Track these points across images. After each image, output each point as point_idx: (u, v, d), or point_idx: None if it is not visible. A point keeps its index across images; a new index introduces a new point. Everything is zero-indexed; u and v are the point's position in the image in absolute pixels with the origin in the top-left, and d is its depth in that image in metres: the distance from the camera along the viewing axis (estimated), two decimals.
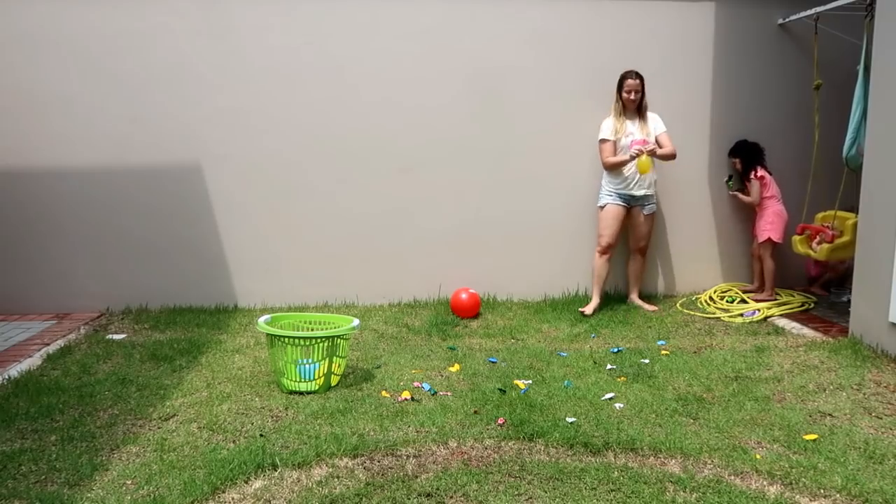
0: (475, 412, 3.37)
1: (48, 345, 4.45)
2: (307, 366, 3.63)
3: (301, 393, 3.62)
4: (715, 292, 5.51)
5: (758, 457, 2.89)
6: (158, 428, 3.25)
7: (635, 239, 5.25)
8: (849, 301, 4.62)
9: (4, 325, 4.96)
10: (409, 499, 2.59)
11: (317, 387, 3.64)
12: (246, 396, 3.62)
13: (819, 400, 3.51)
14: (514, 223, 5.48)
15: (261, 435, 3.14)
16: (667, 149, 5.02)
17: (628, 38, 5.32)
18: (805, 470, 2.78)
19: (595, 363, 4.09)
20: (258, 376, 3.90)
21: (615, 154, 5.02)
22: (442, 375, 3.92)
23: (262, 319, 3.75)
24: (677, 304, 5.38)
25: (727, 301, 5.36)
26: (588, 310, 5.09)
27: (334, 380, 3.73)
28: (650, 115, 5.09)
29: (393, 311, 5.26)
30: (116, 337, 4.66)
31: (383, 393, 3.64)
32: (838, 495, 2.61)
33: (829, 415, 3.33)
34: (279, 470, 2.81)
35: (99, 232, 5.23)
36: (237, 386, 3.76)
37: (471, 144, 5.36)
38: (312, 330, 3.94)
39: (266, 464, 2.83)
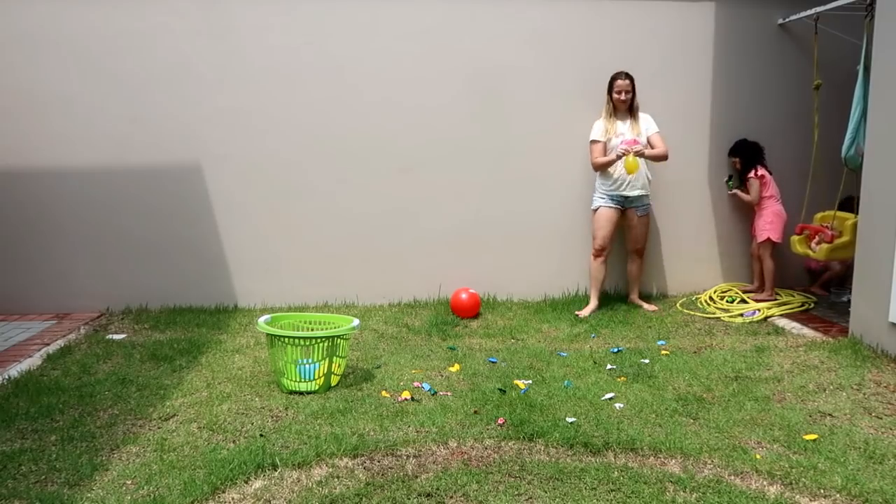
0: (475, 412, 3.37)
1: (48, 345, 4.45)
2: (307, 366, 3.63)
3: (301, 393, 3.62)
4: (715, 292, 5.51)
5: (758, 457, 2.89)
6: (158, 428, 3.25)
7: (632, 241, 5.24)
8: (849, 301, 4.62)
9: (4, 325, 4.96)
10: (409, 499, 2.59)
11: (317, 387, 3.64)
12: (246, 396, 3.62)
13: (819, 400, 3.51)
14: (514, 223, 5.48)
15: (261, 435, 3.14)
16: (657, 150, 4.99)
17: (628, 38, 5.32)
18: (805, 470, 2.78)
19: (595, 363, 4.09)
20: (258, 376, 3.90)
21: (605, 155, 5.01)
22: (442, 375, 3.92)
23: (262, 319, 3.75)
24: (677, 304, 5.38)
25: (727, 301, 5.36)
26: (583, 313, 5.09)
27: (334, 380, 3.73)
28: (642, 115, 5.08)
29: (393, 311, 5.26)
30: (116, 337, 4.66)
31: (383, 393, 3.64)
32: (838, 495, 2.61)
33: (829, 415, 3.33)
34: (279, 470, 2.81)
35: (99, 232, 5.23)
36: (237, 386, 3.76)
37: (471, 144, 5.36)
38: (312, 330, 3.94)
39: (266, 464, 2.83)
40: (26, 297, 5.24)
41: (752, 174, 5.32)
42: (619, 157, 4.90)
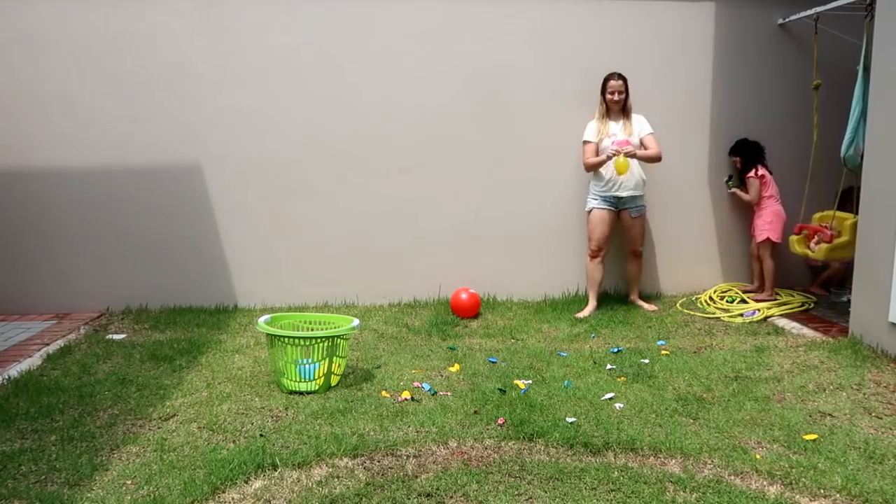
0: (475, 412, 3.37)
1: (48, 345, 4.45)
2: (307, 366, 3.63)
3: (301, 393, 3.62)
4: (715, 292, 5.51)
5: (758, 457, 2.89)
6: (158, 428, 3.25)
7: (628, 242, 5.23)
8: (849, 301, 4.62)
9: (4, 325, 4.96)
10: (409, 499, 2.59)
11: (317, 387, 3.64)
12: (246, 396, 3.62)
13: (819, 400, 3.51)
14: (514, 223, 5.48)
15: (261, 435, 3.14)
16: (650, 151, 4.97)
17: (628, 38, 5.33)
18: (805, 470, 2.78)
19: (595, 363, 4.09)
20: (258, 376, 3.90)
21: (597, 156, 5.01)
22: (442, 375, 3.92)
23: (262, 319, 3.75)
24: (677, 304, 5.38)
25: (727, 301, 5.36)
26: (582, 314, 5.09)
27: (334, 380, 3.73)
28: (636, 116, 5.05)
29: (393, 311, 5.26)
30: (116, 337, 4.66)
31: (383, 393, 3.64)
32: (838, 495, 2.61)
33: (829, 415, 3.33)
34: (279, 470, 2.81)
35: (99, 232, 5.23)
36: (237, 386, 3.76)
37: (471, 144, 5.36)
38: (312, 330, 3.94)
39: (266, 464, 2.83)
40: (26, 297, 5.24)
41: (752, 174, 5.32)
42: (609, 158, 4.90)
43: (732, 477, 2.75)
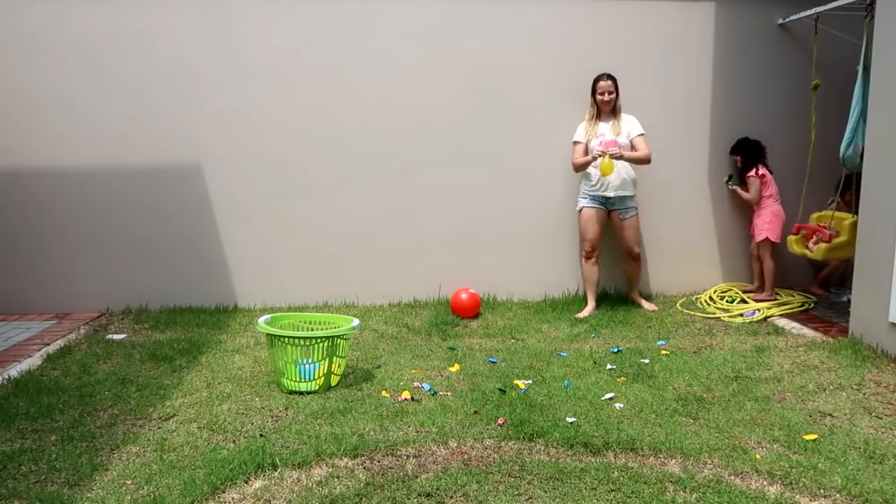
0: (475, 412, 3.37)
1: (48, 345, 4.45)
2: (307, 366, 3.63)
3: (301, 393, 3.62)
4: (715, 292, 5.51)
5: (758, 457, 2.89)
6: (158, 428, 3.25)
7: (623, 246, 5.19)
8: (849, 301, 4.62)
9: (4, 325, 4.96)
10: (409, 499, 2.59)
11: (317, 387, 3.64)
12: (246, 396, 3.62)
13: (819, 400, 3.51)
14: (513, 223, 5.48)
15: (261, 435, 3.14)
16: (638, 153, 4.95)
17: (628, 38, 5.32)
18: (805, 470, 2.78)
19: (595, 363, 4.09)
20: (258, 376, 3.90)
21: (586, 156, 5.01)
22: (442, 375, 3.92)
23: (262, 319, 3.75)
24: (677, 304, 5.38)
25: (727, 301, 5.36)
26: (582, 314, 5.10)
27: (334, 380, 3.73)
28: (626, 116, 5.04)
29: (393, 311, 5.26)
30: (116, 337, 4.66)
31: (383, 393, 3.64)
32: (838, 495, 2.61)
33: (829, 415, 3.33)
34: (279, 470, 2.81)
35: (99, 232, 5.23)
36: (237, 386, 3.76)
37: (471, 144, 5.36)
38: (312, 330, 3.94)
39: (266, 464, 2.83)
40: (26, 297, 5.24)
41: (752, 173, 5.31)
42: (594, 159, 4.90)
43: (732, 477, 2.75)
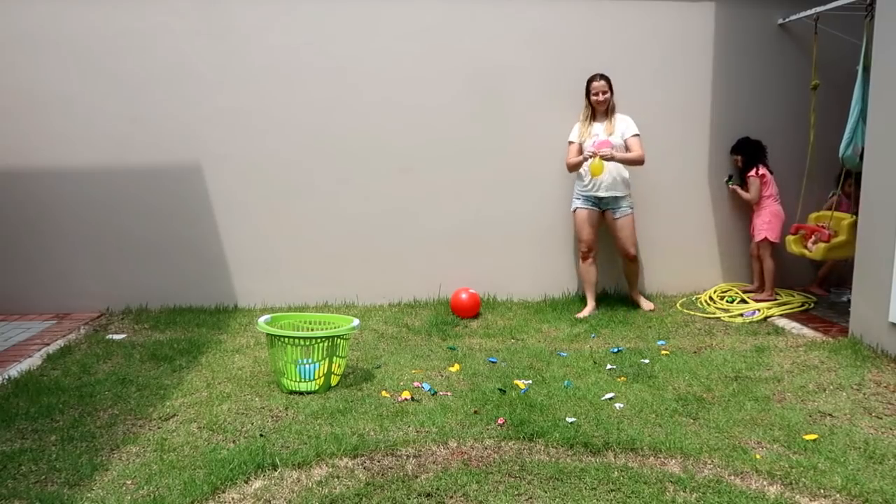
0: (475, 412, 3.37)
1: (48, 345, 4.45)
2: (307, 366, 3.63)
3: (301, 393, 3.62)
4: (715, 292, 5.51)
5: (758, 457, 2.89)
6: (158, 428, 3.25)
7: (618, 247, 5.17)
8: (849, 301, 4.62)
9: (4, 325, 4.97)
10: (409, 499, 2.59)
11: (317, 387, 3.64)
12: (246, 396, 3.62)
13: (819, 400, 3.51)
14: (513, 223, 5.48)
15: (261, 435, 3.14)
16: (630, 154, 4.92)
17: (628, 38, 5.32)
18: (805, 470, 2.78)
19: (595, 363, 4.09)
20: (258, 376, 3.90)
21: (579, 156, 5.00)
22: (442, 375, 3.92)
23: (262, 319, 3.75)
24: (677, 304, 5.37)
25: (727, 301, 5.36)
26: (582, 314, 5.10)
27: (334, 380, 3.73)
28: (621, 116, 5.02)
29: (393, 311, 5.26)
30: (116, 337, 4.66)
31: (383, 393, 3.64)
32: (838, 495, 2.61)
33: (829, 415, 3.33)
34: (279, 470, 2.81)
35: (99, 232, 5.23)
36: (237, 386, 3.76)
37: (471, 144, 5.36)
38: (312, 330, 3.94)
39: (266, 464, 2.83)
40: (26, 297, 5.24)
41: (752, 173, 5.31)
42: (585, 160, 4.90)
43: (732, 477, 2.75)
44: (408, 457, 2.93)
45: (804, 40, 5.38)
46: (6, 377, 3.86)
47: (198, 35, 5.06)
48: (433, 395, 3.63)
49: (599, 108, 5.00)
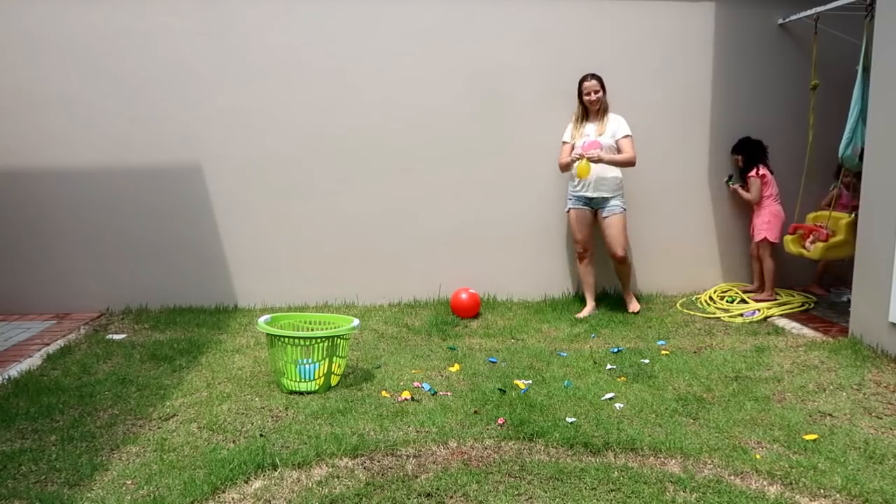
0: (475, 412, 3.37)
1: (48, 345, 4.45)
2: (307, 366, 3.63)
3: (301, 393, 3.62)
4: (715, 292, 5.51)
5: (758, 457, 2.89)
6: (158, 428, 3.25)
7: (606, 247, 5.09)
8: (849, 301, 4.62)
9: (4, 325, 4.96)
10: (409, 499, 2.59)
11: (317, 387, 3.64)
12: (246, 396, 3.62)
13: (819, 400, 3.51)
14: (513, 223, 5.48)
15: (261, 435, 3.14)
16: (620, 156, 4.89)
17: (628, 37, 5.32)
18: (805, 470, 2.78)
19: (595, 363, 4.09)
20: (258, 376, 3.90)
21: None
22: (442, 375, 3.92)
23: (262, 319, 3.75)
24: (677, 304, 5.37)
25: (727, 301, 5.36)
26: (581, 314, 5.10)
27: (334, 380, 3.73)
28: (613, 116, 4.99)
29: (393, 311, 5.26)
30: (116, 337, 4.66)
31: (383, 393, 3.64)
32: (838, 495, 2.61)
33: (829, 415, 3.33)
34: (279, 470, 2.81)
35: (99, 232, 5.23)
36: (237, 386, 3.76)
37: (471, 144, 5.36)
38: (312, 330, 3.94)
39: (266, 464, 2.84)
40: (26, 297, 5.24)
41: (753, 173, 5.31)
42: (573, 161, 4.89)
43: (732, 477, 2.75)
44: (408, 457, 2.93)
45: (804, 40, 5.38)
46: (6, 377, 3.86)
47: (198, 35, 5.06)
48: (433, 395, 3.63)
49: (592, 108, 4.99)
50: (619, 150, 4.94)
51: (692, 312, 5.17)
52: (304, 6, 5.10)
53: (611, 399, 3.53)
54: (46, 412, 3.39)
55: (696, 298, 5.50)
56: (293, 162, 5.26)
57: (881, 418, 3.29)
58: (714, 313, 5.13)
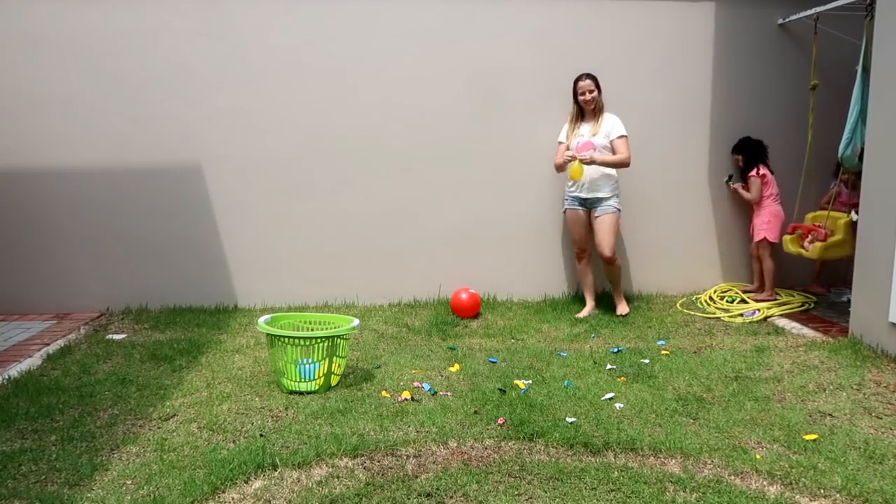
0: (475, 412, 3.37)
1: (48, 345, 4.45)
2: (307, 366, 3.63)
3: (301, 393, 3.62)
4: (715, 292, 5.51)
5: (758, 457, 2.89)
6: (158, 428, 3.25)
7: (595, 246, 5.04)
8: (849, 301, 4.62)
9: (4, 325, 4.96)
10: (409, 499, 2.59)
11: (317, 387, 3.64)
12: (246, 396, 3.62)
13: (819, 400, 3.51)
14: (513, 223, 5.48)
15: (261, 435, 3.14)
16: (614, 157, 4.85)
17: (628, 38, 5.32)
18: (805, 470, 2.78)
19: (595, 363, 4.09)
20: (258, 376, 3.90)
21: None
22: (442, 375, 3.92)
23: (262, 319, 3.75)
24: (677, 304, 5.37)
25: (727, 301, 5.36)
26: (581, 314, 5.10)
27: (334, 380, 3.73)
28: (608, 116, 4.95)
29: (393, 311, 5.26)
30: (116, 337, 4.66)
31: (383, 393, 3.64)
32: (838, 495, 2.61)
33: (829, 415, 3.33)
34: (279, 470, 2.81)
35: (99, 232, 5.23)
36: (237, 386, 3.76)
37: (471, 144, 5.36)
38: (312, 330, 3.94)
39: (266, 464, 2.84)
40: (26, 297, 5.24)
41: (753, 173, 5.31)
42: (565, 163, 4.89)
43: (732, 477, 2.75)
44: (408, 457, 2.93)
45: (804, 40, 5.38)
46: (6, 377, 3.86)
47: (198, 35, 5.06)
48: (433, 395, 3.63)
49: (587, 108, 4.97)
50: (613, 151, 4.92)
51: (692, 312, 5.17)
52: (304, 6, 5.10)
53: (611, 399, 3.53)
54: (46, 412, 3.39)
55: (696, 298, 5.50)
56: (293, 162, 5.26)
57: (881, 418, 3.29)
58: (714, 313, 5.13)
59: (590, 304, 5.20)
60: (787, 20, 5.34)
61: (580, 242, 5.12)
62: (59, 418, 3.35)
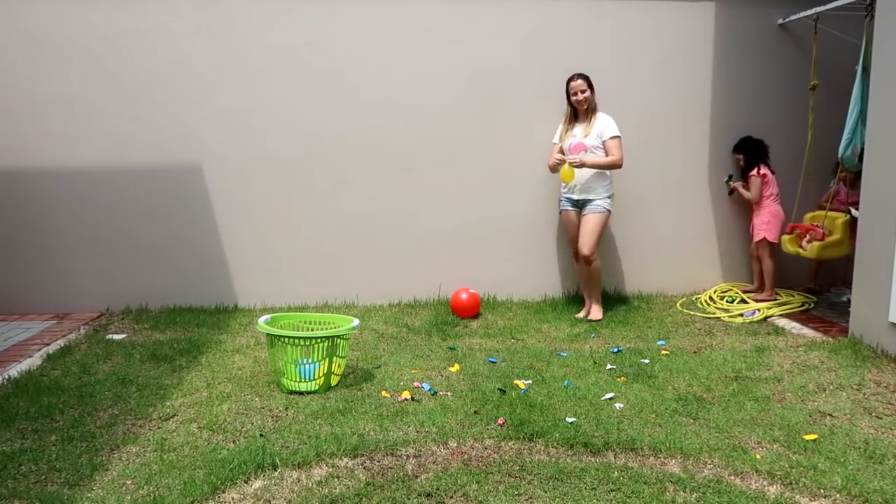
0: (475, 412, 3.37)
1: (48, 345, 4.45)
2: (307, 366, 3.63)
3: (301, 393, 3.62)
4: (715, 292, 5.51)
5: (758, 457, 2.89)
6: (158, 428, 3.25)
7: (578, 241, 4.98)
8: (849, 301, 4.62)
9: (4, 325, 4.96)
10: (409, 499, 2.59)
11: (317, 387, 3.64)
12: (246, 396, 3.62)
13: (819, 400, 3.51)
14: (514, 223, 5.48)
15: (261, 435, 3.14)
16: (606, 159, 4.81)
17: (628, 38, 5.32)
18: (805, 470, 2.78)
19: (595, 363, 4.09)
20: (258, 376, 3.90)
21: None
22: (442, 375, 3.92)
23: (262, 319, 3.75)
24: (677, 304, 5.37)
25: (727, 301, 5.36)
26: (581, 314, 5.10)
27: (334, 380, 3.73)
28: (602, 116, 4.91)
29: (393, 311, 5.26)
30: (116, 337, 4.66)
31: (383, 393, 3.64)
32: (838, 495, 2.61)
33: (829, 415, 3.33)
34: (279, 470, 2.81)
35: (99, 232, 5.23)
36: (237, 386, 3.76)
37: (471, 144, 5.36)
38: (312, 330, 3.94)
39: (266, 464, 2.84)
40: (26, 297, 5.24)
41: (754, 172, 5.31)
42: (556, 164, 4.88)
43: (732, 477, 2.75)
44: (408, 457, 2.93)
45: (804, 40, 5.38)
46: (6, 377, 3.86)
47: (198, 35, 5.06)
48: (433, 395, 3.63)
49: (580, 108, 4.95)
50: (606, 152, 4.88)
51: (692, 312, 5.17)
52: (304, 6, 5.10)
53: (611, 399, 3.53)
54: (46, 412, 3.39)
55: (696, 298, 5.50)
56: (293, 162, 5.26)
57: (881, 418, 3.29)
58: (714, 313, 5.13)
59: (589, 304, 5.20)
60: (787, 20, 5.34)
61: (575, 243, 5.12)
62: (59, 418, 3.35)
